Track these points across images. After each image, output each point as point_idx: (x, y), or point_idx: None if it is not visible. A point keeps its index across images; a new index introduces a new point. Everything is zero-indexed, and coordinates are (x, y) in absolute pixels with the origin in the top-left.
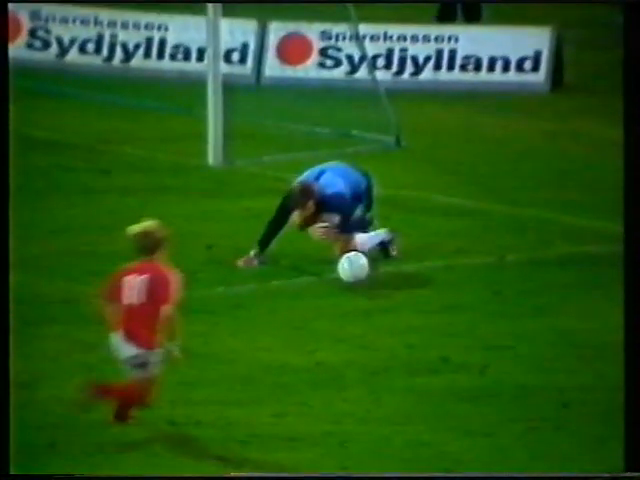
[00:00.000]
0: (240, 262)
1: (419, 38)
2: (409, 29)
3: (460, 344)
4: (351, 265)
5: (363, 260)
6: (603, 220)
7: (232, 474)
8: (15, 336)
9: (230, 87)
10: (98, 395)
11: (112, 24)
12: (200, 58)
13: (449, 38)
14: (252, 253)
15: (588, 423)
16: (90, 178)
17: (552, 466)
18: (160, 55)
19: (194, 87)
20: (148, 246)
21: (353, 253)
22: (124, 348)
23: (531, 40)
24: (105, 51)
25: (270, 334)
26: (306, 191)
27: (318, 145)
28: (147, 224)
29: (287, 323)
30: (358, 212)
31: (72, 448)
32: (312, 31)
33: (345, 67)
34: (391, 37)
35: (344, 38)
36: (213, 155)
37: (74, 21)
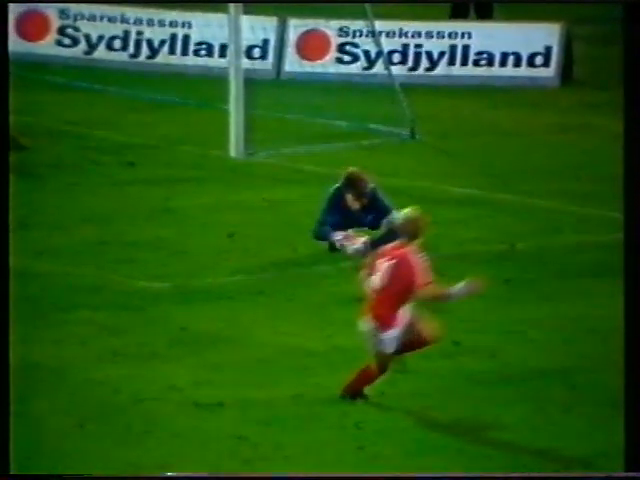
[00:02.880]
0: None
1: (433, 34)
2: (424, 26)
3: (472, 329)
4: None
5: None
6: (611, 210)
7: (232, 474)
8: (45, 321)
9: (251, 82)
10: (353, 393)
11: (138, 21)
12: (222, 54)
13: (462, 34)
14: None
15: (595, 405)
16: (116, 170)
17: (559, 446)
18: (184, 51)
19: (217, 82)
20: (413, 232)
21: None
22: (365, 323)
23: (542, 36)
24: (131, 47)
25: (289, 319)
26: (365, 182)
27: (335, 138)
28: (414, 211)
29: (305, 309)
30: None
31: (100, 428)
32: (330, 28)
33: (362, 62)
34: (406, 33)
35: (361, 34)
36: (234, 147)
37: (101, 19)
